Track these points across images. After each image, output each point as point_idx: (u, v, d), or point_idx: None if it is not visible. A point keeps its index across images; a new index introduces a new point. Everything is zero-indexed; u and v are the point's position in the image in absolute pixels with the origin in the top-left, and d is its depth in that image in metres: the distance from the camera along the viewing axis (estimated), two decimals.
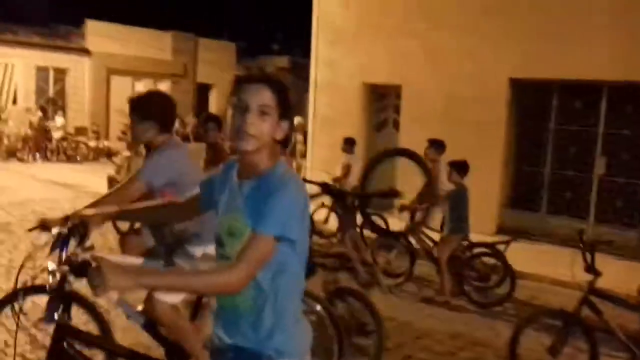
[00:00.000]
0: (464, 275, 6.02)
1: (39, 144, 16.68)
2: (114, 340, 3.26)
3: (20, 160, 16.07)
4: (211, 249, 3.21)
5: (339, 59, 10.97)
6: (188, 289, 1.83)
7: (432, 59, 9.67)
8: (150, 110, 3.31)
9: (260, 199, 1.79)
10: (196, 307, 3.56)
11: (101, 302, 3.32)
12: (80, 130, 18.96)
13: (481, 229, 7.08)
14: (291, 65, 23.24)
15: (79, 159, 17.08)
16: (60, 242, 2.12)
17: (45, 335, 3.32)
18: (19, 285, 2.87)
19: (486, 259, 6.21)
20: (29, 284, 3.42)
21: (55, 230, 2.13)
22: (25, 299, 3.10)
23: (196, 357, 3.27)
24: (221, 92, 25.97)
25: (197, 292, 1.79)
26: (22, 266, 2.36)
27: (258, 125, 1.81)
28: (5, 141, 17.05)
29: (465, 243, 6.22)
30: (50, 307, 3.04)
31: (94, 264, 1.65)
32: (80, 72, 21.12)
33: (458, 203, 5.91)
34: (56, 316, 2.87)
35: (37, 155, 16.48)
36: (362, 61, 10.59)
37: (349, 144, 8.71)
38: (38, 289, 3.20)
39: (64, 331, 2.11)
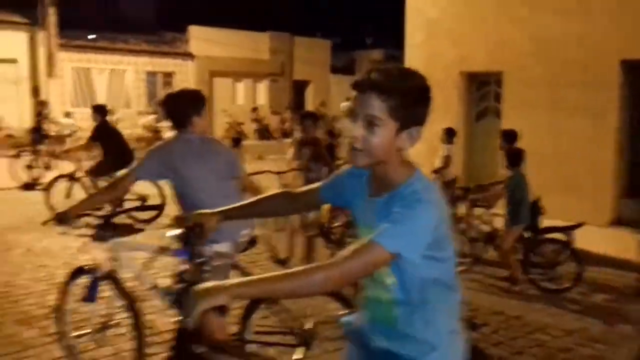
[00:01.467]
0: (529, 261, 5.84)
1: (151, 144, 17.69)
2: (240, 344, 3.21)
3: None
4: (218, 247, 3.13)
5: (434, 49, 10.75)
6: (281, 291, 1.60)
7: (535, 44, 9.26)
8: (166, 109, 3.55)
9: (387, 214, 1.61)
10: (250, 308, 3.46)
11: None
12: None
13: (594, 220, 6.72)
14: (385, 58, 23.11)
15: None
16: (181, 248, 2.14)
17: None
18: None
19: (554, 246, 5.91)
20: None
21: (172, 233, 2.15)
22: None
23: None
24: (317, 89, 26.35)
25: (292, 293, 1.62)
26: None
27: (365, 138, 1.63)
28: None
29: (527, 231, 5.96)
30: (92, 289, 3.37)
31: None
32: (185, 75, 22.28)
33: (514, 192, 5.71)
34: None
35: None
36: (458, 50, 10.32)
37: (448, 134, 8.54)
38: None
39: (186, 335, 2.18)
